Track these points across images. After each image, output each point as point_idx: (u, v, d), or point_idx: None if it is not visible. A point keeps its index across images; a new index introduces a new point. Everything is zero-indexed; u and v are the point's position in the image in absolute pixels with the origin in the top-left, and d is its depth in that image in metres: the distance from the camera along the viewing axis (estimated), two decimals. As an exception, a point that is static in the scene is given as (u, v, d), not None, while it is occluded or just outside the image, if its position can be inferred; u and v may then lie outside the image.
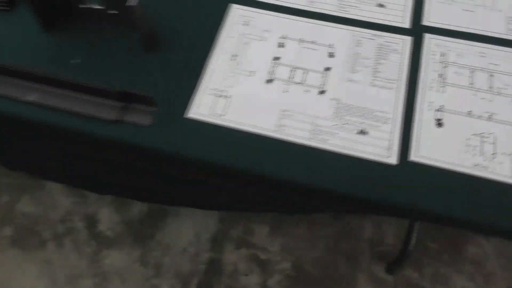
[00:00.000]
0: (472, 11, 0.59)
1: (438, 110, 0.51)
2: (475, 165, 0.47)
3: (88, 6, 0.56)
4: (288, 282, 1.13)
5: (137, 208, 1.24)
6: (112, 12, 0.56)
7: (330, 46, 0.57)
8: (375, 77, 0.54)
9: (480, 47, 0.56)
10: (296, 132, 0.50)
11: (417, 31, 0.58)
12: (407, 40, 0.57)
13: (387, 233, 1.17)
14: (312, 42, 0.57)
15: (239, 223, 1.21)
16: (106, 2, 0.55)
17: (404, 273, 1.11)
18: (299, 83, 0.54)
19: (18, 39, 0.58)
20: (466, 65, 0.54)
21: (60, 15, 0.59)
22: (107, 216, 1.23)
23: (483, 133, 0.49)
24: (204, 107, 0.52)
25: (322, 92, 0.53)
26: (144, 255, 1.18)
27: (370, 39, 0.57)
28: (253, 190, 0.69)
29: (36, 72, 0.52)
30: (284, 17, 0.59)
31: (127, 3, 0.47)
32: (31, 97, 0.53)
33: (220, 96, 0.53)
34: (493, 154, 0.48)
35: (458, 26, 0.58)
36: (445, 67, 0.55)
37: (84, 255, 1.18)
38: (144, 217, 1.23)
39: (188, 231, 1.21)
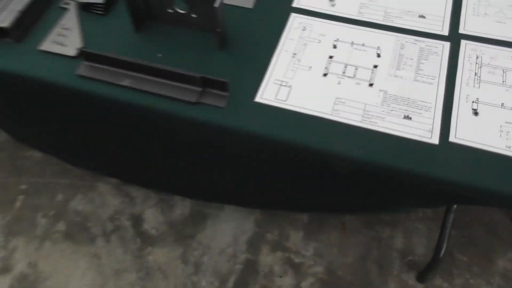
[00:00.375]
0: (503, 22, 0.67)
1: (474, 101, 0.59)
2: (508, 147, 0.54)
3: (174, 10, 0.67)
4: (320, 285, 1.17)
5: (180, 210, 1.32)
6: (193, 15, 0.67)
7: (377, 48, 0.66)
8: (417, 74, 0.63)
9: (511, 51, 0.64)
10: (349, 116, 0.58)
11: (454, 38, 0.67)
12: (446, 45, 0.66)
13: (417, 244, 1.21)
14: (362, 45, 0.66)
15: (274, 227, 1.28)
16: (189, 7, 0.66)
17: (434, 282, 1.14)
18: (351, 77, 0.63)
19: (113, 38, 0.69)
20: (499, 66, 0.62)
21: (149, 18, 0.70)
22: (152, 216, 1.32)
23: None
24: (270, 93, 0.61)
25: (371, 84, 0.62)
26: (185, 253, 1.25)
27: (413, 43, 0.66)
28: (296, 184, 0.76)
29: (129, 60, 0.62)
30: (337, 24, 0.69)
31: (214, 4, 0.58)
32: (125, 82, 0.63)
33: (283, 85, 0.62)
34: (524, 138, 0.55)
35: (491, 35, 0.66)
36: (480, 67, 0.63)
37: (129, 251, 1.26)
38: (186, 219, 1.31)
39: (226, 233, 1.27)
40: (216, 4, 0.59)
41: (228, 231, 1.28)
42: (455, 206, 1.00)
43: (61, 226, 1.32)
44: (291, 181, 0.75)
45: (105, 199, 1.36)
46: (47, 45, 0.68)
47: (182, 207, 1.32)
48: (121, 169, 1.10)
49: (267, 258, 1.23)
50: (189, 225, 1.29)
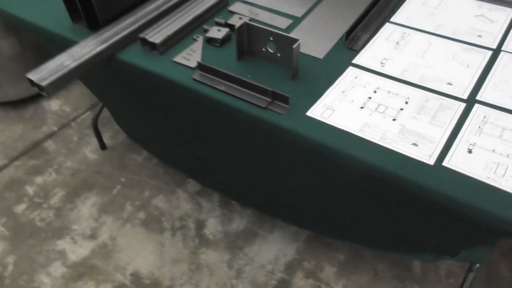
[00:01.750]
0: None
1: (471, 144, 0.77)
2: (488, 177, 0.71)
3: (266, 50, 0.97)
4: (342, 317, 1.28)
5: (236, 225, 1.55)
6: (278, 54, 0.96)
7: (407, 98, 0.88)
8: (432, 119, 0.83)
9: (514, 117, 0.82)
10: (371, 135, 0.80)
11: (471, 101, 0.86)
12: (462, 105, 0.86)
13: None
14: (396, 94, 0.89)
15: (312, 258, 1.44)
16: (276, 48, 0.95)
17: None
18: (380, 112, 0.85)
19: (221, 61, 1.00)
20: (500, 125, 0.80)
21: (247, 53, 1.01)
22: (213, 224, 1.56)
23: (500, 164, 0.73)
24: (318, 111, 0.86)
25: (394, 119, 0.83)
26: (232, 260, 1.45)
27: (436, 100, 0.87)
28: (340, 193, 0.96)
29: (226, 72, 0.92)
30: (381, 79, 0.93)
31: (293, 46, 0.86)
32: (222, 87, 0.92)
33: (329, 108, 0.86)
34: (503, 175, 0.72)
35: (502, 104, 0.85)
36: (484, 124, 0.81)
37: (188, 247, 1.50)
38: (240, 233, 1.53)
39: (270, 253, 1.46)
40: (294, 46, 0.87)
41: (272, 251, 1.47)
42: (477, 265, 1.10)
43: (141, 215, 1.62)
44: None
45: (180, 202, 1.64)
46: (178, 58, 1.01)
47: (239, 223, 1.55)
48: (198, 170, 1.38)
49: (300, 282, 1.38)
50: (241, 238, 1.51)
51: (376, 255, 1.41)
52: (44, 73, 0.98)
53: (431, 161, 0.75)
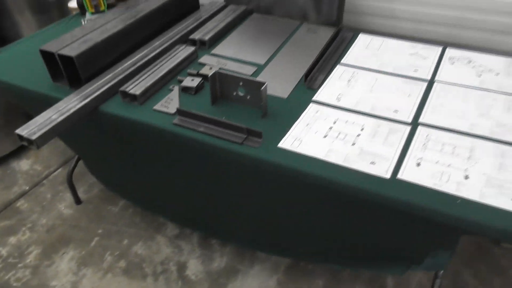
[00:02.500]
0: (449, 118, 1.02)
1: (419, 159, 0.92)
2: (435, 184, 0.85)
3: (237, 94, 1.10)
4: None
5: (217, 263, 1.60)
6: (248, 97, 1.09)
7: (362, 125, 1.02)
8: (385, 141, 0.97)
9: (450, 134, 0.97)
10: (335, 159, 0.93)
11: (414, 124, 1.02)
12: (408, 127, 1.01)
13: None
14: (353, 123, 1.03)
15: (294, 287, 1.51)
16: (246, 92, 1.09)
17: None
18: (341, 139, 0.98)
19: (197, 107, 1.11)
20: (440, 141, 0.96)
21: (220, 98, 1.13)
22: (194, 265, 1.61)
23: (444, 172, 0.88)
24: (288, 143, 0.98)
25: (353, 144, 0.97)
26: (216, 297, 1.49)
27: (386, 125, 1.02)
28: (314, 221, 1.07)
29: (204, 115, 1.03)
30: (339, 111, 1.07)
31: (261, 89, 1.00)
32: (201, 128, 1.04)
33: (297, 139, 0.99)
34: (447, 181, 0.86)
35: (440, 124, 1.01)
36: (428, 141, 0.96)
37: (172, 290, 1.53)
38: (221, 270, 1.58)
39: (253, 287, 1.52)
40: (261, 88, 1.01)
41: (254, 285, 1.53)
42: (441, 271, 1.22)
43: (122, 263, 1.64)
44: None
45: (160, 247, 1.69)
46: (158, 107, 1.12)
47: (219, 261, 1.61)
48: (179, 212, 1.45)
49: (282, 312, 1.44)
50: (223, 276, 1.56)
51: (352, 277, 1.51)
52: (33, 128, 1.05)
53: (388, 175, 0.88)
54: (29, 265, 1.67)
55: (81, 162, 1.91)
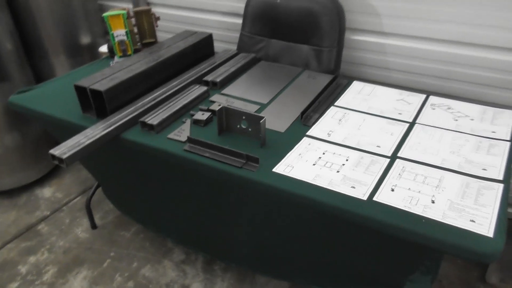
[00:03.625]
0: (424, 154, 1.17)
1: (393, 185, 1.06)
2: (404, 206, 0.98)
3: (240, 126, 1.27)
4: None
5: (219, 287, 1.71)
6: (249, 129, 1.26)
7: (348, 157, 1.17)
8: (366, 170, 1.12)
9: (423, 167, 1.11)
10: (321, 182, 1.07)
11: (393, 157, 1.16)
12: (387, 160, 1.16)
13: None
14: (339, 154, 1.18)
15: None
16: (248, 125, 1.26)
17: None
18: (328, 167, 1.13)
19: (205, 137, 1.29)
20: (414, 172, 1.10)
21: (226, 129, 1.31)
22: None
23: (413, 197, 1.01)
24: (282, 168, 1.13)
25: (338, 171, 1.12)
26: (215, 319, 1.59)
27: (368, 157, 1.17)
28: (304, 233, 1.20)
29: (209, 143, 1.20)
30: (328, 144, 1.23)
31: (260, 122, 1.17)
32: (207, 154, 1.20)
33: (289, 166, 1.14)
34: (416, 204, 0.99)
35: (415, 158, 1.15)
36: (403, 171, 1.10)
37: (175, 310, 1.63)
38: (222, 294, 1.68)
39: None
40: (261, 121, 1.18)
41: (251, 309, 1.62)
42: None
43: (130, 284, 1.76)
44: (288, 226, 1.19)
45: (166, 271, 1.81)
46: (171, 135, 1.30)
47: (221, 285, 1.72)
48: (188, 234, 1.58)
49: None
50: (223, 299, 1.66)
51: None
52: (64, 149, 1.23)
53: (365, 198, 1.02)
54: (45, 283, 1.80)
55: (99, 190, 2.08)
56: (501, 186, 1.04)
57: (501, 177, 1.07)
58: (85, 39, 2.50)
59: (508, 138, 1.22)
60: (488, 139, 1.22)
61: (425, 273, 1.19)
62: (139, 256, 1.88)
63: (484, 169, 1.10)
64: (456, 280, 1.69)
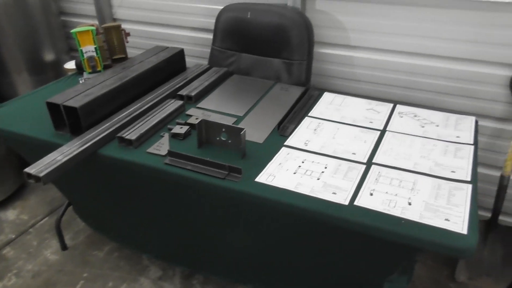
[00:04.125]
0: (396, 159, 1.23)
1: (372, 190, 1.11)
2: (384, 208, 1.03)
3: (220, 139, 1.29)
4: None
5: (199, 303, 1.69)
6: (229, 141, 1.28)
7: (326, 165, 1.22)
8: (345, 177, 1.16)
9: (397, 171, 1.17)
10: (303, 190, 1.11)
11: (369, 163, 1.22)
12: (363, 166, 1.21)
13: None
14: (318, 163, 1.23)
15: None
16: (228, 137, 1.28)
17: None
18: (308, 175, 1.17)
19: (185, 150, 1.30)
20: (389, 177, 1.15)
21: (205, 142, 1.32)
22: (176, 305, 1.69)
23: (391, 200, 1.06)
24: (264, 178, 1.16)
25: (318, 179, 1.16)
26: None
27: (346, 164, 1.22)
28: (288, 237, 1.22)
29: (191, 155, 1.21)
30: (306, 153, 1.27)
31: (241, 134, 1.19)
32: (188, 166, 1.21)
33: (271, 175, 1.17)
34: (394, 206, 1.04)
35: (389, 163, 1.21)
36: (379, 176, 1.16)
37: (154, 328, 1.60)
38: (202, 309, 1.67)
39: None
40: (241, 133, 1.20)
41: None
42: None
43: (107, 304, 1.71)
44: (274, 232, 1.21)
45: (143, 289, 1.77)
46: (151, 150, 1.30)
47: (201, 300, 1.70)
48: (165, 248, 1.57)
49: None
50: (204, 313, 1.65)
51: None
52: (40, 167, 1.20)
53: (346, 202, 1.06)
54: (13, 310, 1.71)
55: (69, 210, 2.02)
56: (470, 186, 1.11)
57: (469, 178, 1.15)
58: (48, 56, 2.45)
59: (472, 142, 1.31)
60: (454, 143, 1.31)
61: (402, 274, 1.24)
62: (114, 276, 1.83)
63: (453, 171, 1.18)
64: (428, 280, 1.76)
